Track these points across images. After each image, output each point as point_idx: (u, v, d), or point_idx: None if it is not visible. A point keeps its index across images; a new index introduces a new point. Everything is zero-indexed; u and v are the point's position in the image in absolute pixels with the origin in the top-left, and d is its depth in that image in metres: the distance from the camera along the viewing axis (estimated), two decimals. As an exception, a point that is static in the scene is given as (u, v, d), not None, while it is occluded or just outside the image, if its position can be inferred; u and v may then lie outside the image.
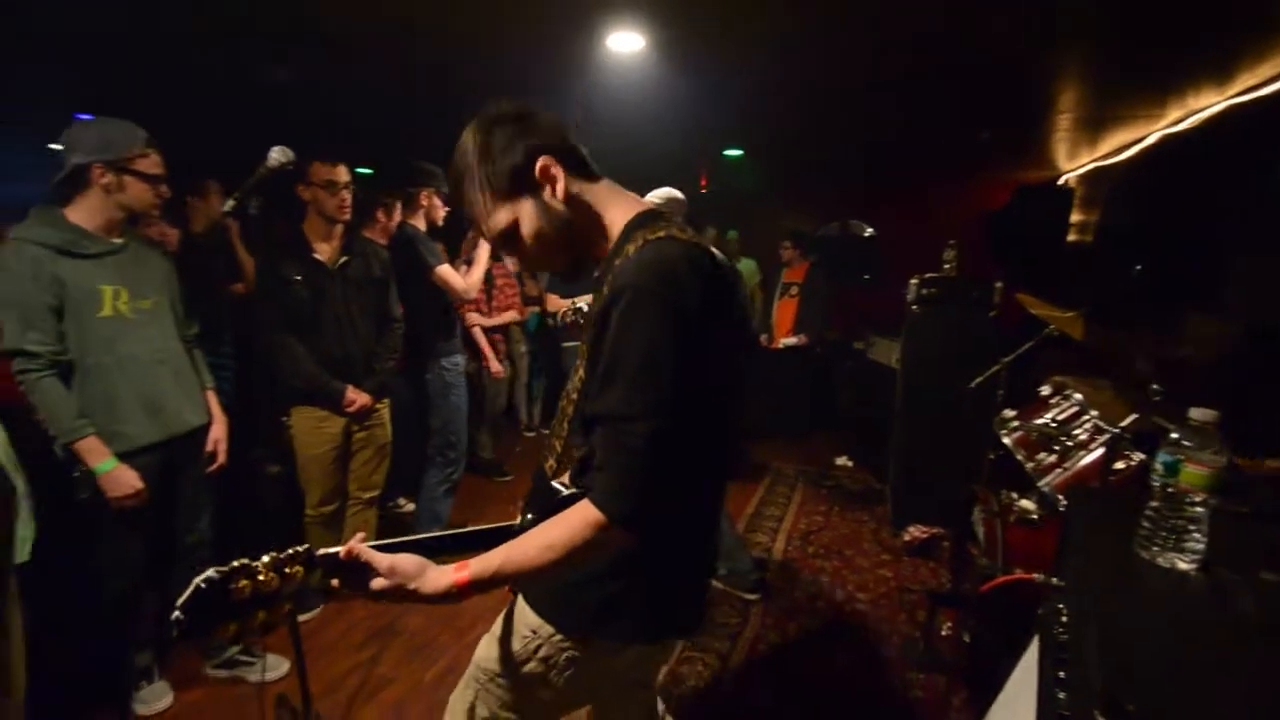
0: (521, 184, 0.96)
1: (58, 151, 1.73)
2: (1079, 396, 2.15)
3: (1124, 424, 1.82)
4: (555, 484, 1.00)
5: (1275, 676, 0.71)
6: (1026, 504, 2.06)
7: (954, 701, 2.09)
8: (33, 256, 1.63)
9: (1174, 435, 0.92)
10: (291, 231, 2.30)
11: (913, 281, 3.41)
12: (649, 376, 0.84)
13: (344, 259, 2.33)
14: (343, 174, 2.25)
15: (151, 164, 1.77)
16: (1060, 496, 1.89)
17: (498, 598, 1.13)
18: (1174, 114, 3.90)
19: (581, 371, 0.97)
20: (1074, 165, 5.54)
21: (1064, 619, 0.91)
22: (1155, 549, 0.91)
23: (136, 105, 1.96)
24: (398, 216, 2.74)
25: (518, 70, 3.42)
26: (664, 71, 3.32)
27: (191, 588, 0.76)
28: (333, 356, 2.31)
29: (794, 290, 4.85)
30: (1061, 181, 5.79)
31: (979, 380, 2.66)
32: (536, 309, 4.56)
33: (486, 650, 1.14)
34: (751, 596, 2.71)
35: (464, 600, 0.89)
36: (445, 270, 2.72)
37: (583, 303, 2.97)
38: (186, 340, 1.99)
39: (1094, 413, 2.05)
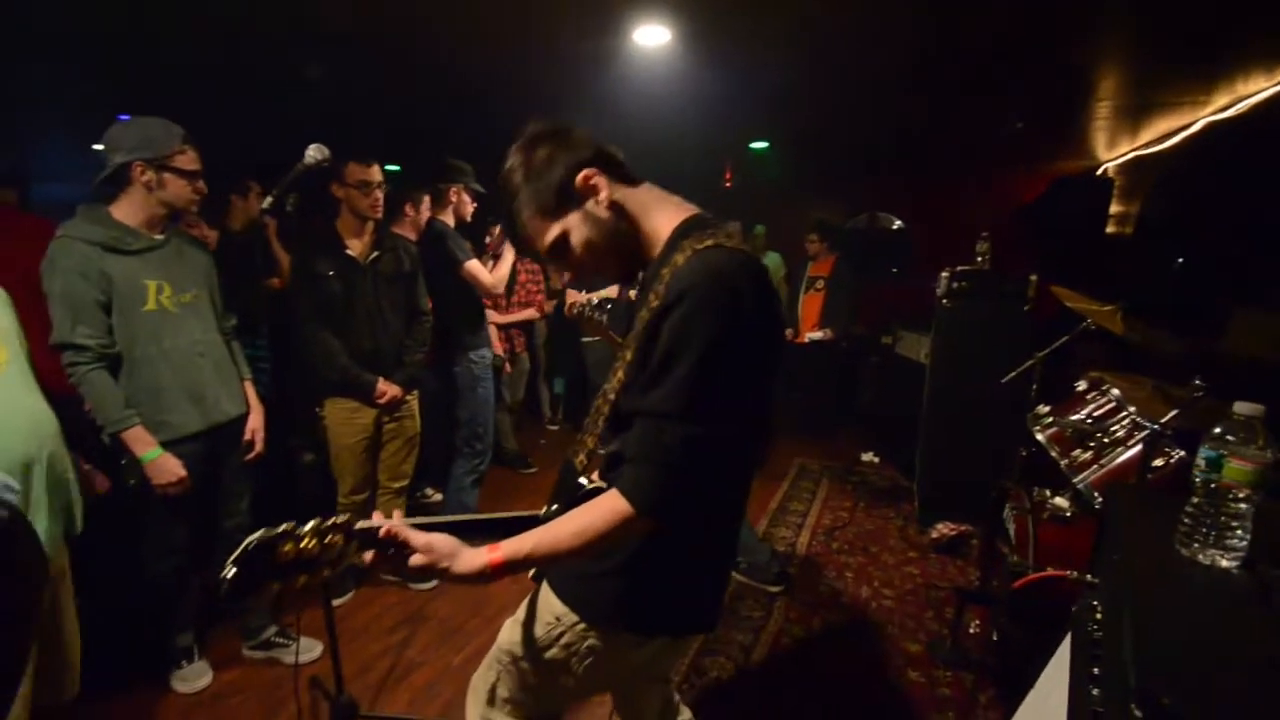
0: (567, 198, 0.99)
1: (99, 152, 1.78)
2: (1116, 392, 2.09)
3: (1164, 420, 1.76)
4: (582, 479, 1.02)
5: (1322, 677, 0.68)
6: (1060, 501, 2.02)
7: (981, 699, 2.06)
8: (81, 253, 1.69)
9: (1218, 430, 0.89)
10: (325, 228, 2.35)
11: (944, 274, 3.34)
12: (697, 382, 0.86)
13: (375, 254, 2.38)
14: (376, 174, 2.30)
15: (189, 160, 1.82)
16: (1096, 493, 1.84)
17: (524, 586, 1.15)
18: (1221, 100, 3.76)
19: (620, 374, 0.98)
20: (1113, 155, 5.37)
21: (1099, 616, 0.89)
22: (1196, 546, 0.89)
23: (174, 106, 2.02)
24: (426, 211, 2.78)
25: (545, 66, 3.44)
26: (690, 65, 3.30)
27: (241, 547, 0.79)
28: (364, 349, 2.37)
29: (819, 284, 4.79)
30: (1100, 171, 5.61)
31: (1012, 375, 2.60)
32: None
33: (510, 634, 1.16)
34: (774, 589, 2.70)
35: (494, 581, 0.91)
36: (474, 265, 2.77)
37: (598, 297, 2.98)
38: (225, 333, 2.05)
39: (1132, 408, 1.99)
